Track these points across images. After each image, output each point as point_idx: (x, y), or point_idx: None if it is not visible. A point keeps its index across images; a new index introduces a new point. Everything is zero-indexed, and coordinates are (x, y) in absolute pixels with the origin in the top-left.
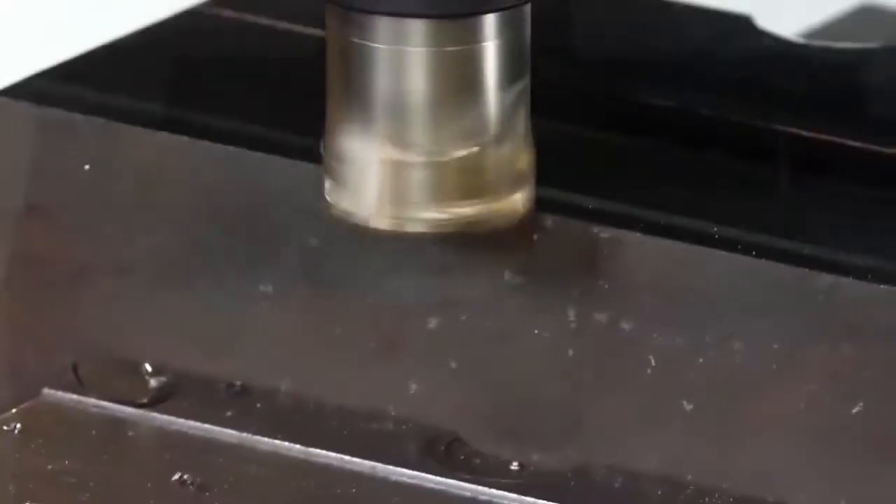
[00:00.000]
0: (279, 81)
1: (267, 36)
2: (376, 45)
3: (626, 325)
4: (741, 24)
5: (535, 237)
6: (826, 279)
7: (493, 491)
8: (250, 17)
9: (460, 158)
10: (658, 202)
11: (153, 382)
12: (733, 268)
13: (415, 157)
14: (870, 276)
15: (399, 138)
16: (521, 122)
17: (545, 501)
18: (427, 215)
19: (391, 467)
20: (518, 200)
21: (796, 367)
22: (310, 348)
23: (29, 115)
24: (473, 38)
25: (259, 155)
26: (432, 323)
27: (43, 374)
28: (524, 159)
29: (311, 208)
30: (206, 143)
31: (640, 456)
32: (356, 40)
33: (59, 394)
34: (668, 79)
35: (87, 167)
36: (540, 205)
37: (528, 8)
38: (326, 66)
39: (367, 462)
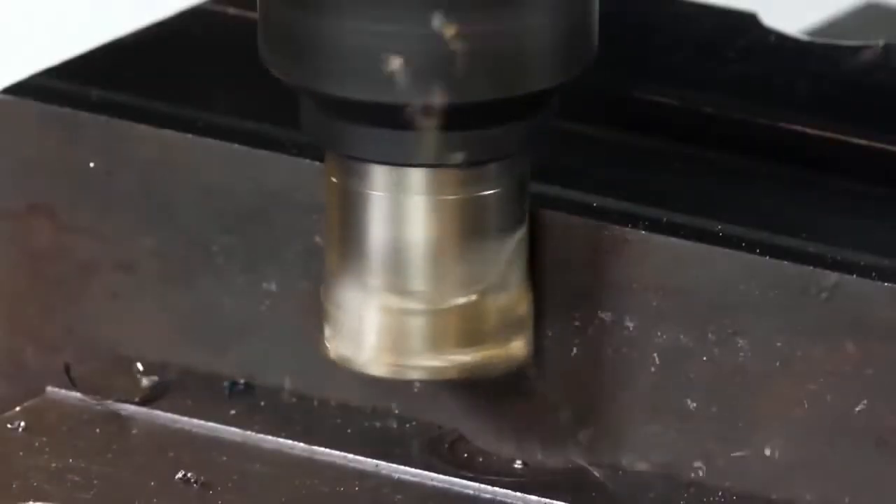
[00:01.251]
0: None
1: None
2: (375, 193)
3: (629, 323)
4: (747, 22)
5: (539, 234)
6: (830, 277)
7: (497, 489)
8: (254, 15)
9: (459, 306)
10: (662, 200)
11: (145, 382)
12: (737, 265)
13: (414, 305)
14: (874, 274)
15: (398, 286)
16: (521, 269)
17: (548, 500)
18: (426, 363)
19: (395, 465)
20: (517, 347)
21: (800, 365)
22: (313, 346)
23: (33, 113)
24: (473, 186)
25: (262, 152)
26: None
27: (46, 372)
28: (523, 306)
29: (314, 206)
30: (209, 141)
31: (643, 454)
32: (354, 188)
33: (63, 392)
34: (673, 76)
35: (91, 165)
36: (544, 201)
37: (527, 156)
38: (325, 211)
39: (370, 460)
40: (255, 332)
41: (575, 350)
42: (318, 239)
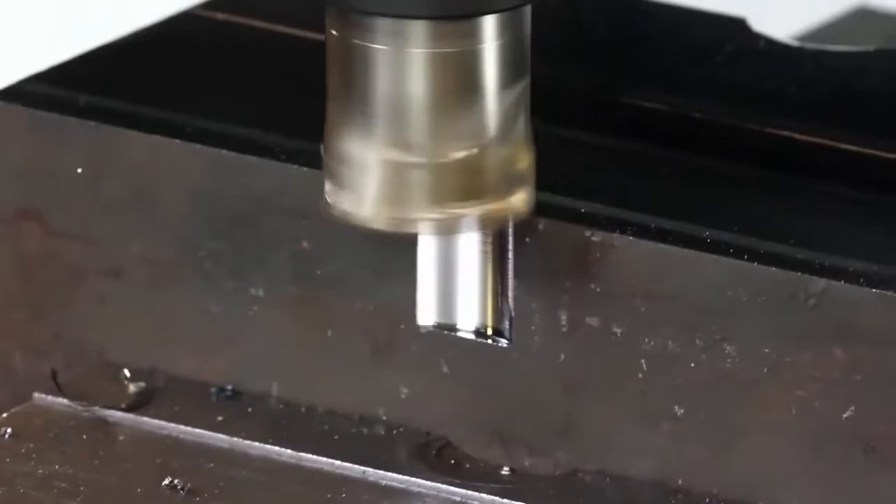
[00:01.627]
0: (272, 84)
1: (260, 39)
2: (376, 47)
3: (617, 329)
4: (736, 27)
5: (527, 240)
6: (818, 283)
7: (484, 496)
8: (243, 20)
9: (460, 160)
10: (650, 205)
11: (132, 388)
12: (725, 271)
13: (414, 159)
14: (862, 281)
15: (399, 139)
16: (521, 124)
17: None
18: (427, 216)
19: (382, 472)
20: (518, 201)
21: (787, 372)
22: (301, 352)
23: (21, 118)
24: (473, 39)
25: (251, 158)
26: (423, 328)
27: (33, 378)
28: (524, 160)
29: (302, 211)
30: (198, 147)
31: (630, 461)
32: (356, 41)
33: (50, 398)
34: (662, 81)
35: (79, 170)
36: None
37: (528, 9)
38: (326, 67)
39: (357, 467)
40: (243, 338)
41: (563, 356)
42: (306, 244)
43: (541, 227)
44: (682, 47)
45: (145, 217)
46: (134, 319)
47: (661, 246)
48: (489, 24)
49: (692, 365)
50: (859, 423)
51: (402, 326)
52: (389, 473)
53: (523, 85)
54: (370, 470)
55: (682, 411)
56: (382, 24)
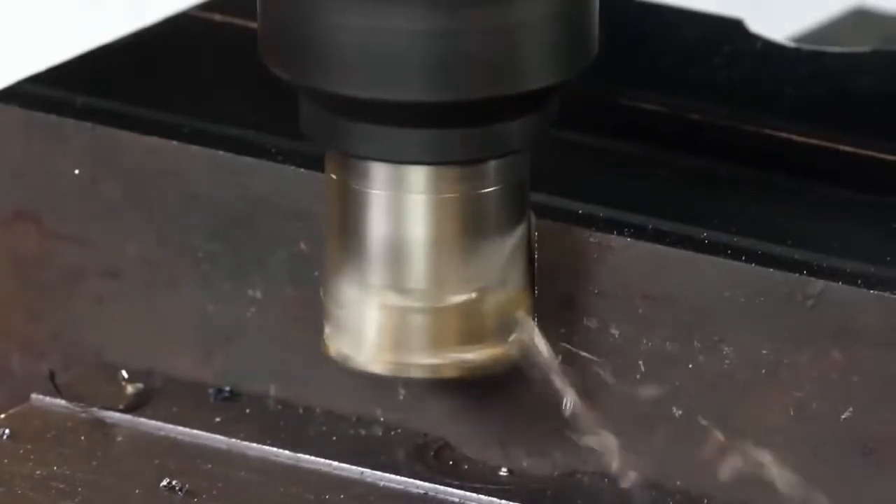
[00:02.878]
0: (269, 86)
1: (256, 39)
2: (375, 192)
3: (615, 331)
4: (733, 28)
5: None
6: (816, 284)
7: (482, 497)
8: (240, 21)
9: (460, 304)
10: (648, 207)
11: (130, 389)
12: (722, 273)
13: (414, 303)
14: (860, 282)
15: (398, 284)
16: (521, 266)
17: None
18: (426, 361)
19: (380, 473)
20: (519, 344)
21: (785, 373)
22: (298, 353)
23: (18, 120)
24: (474, 184)
25: (248, 159)
26: None
27: (31, 379)
28: (524, 303)
29: (299, 212)
30: (195, 148)
31: (629, 462)
32: (355, 186)
33: (48, 399)
34: (659, 83)
35: (76, 171)
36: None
37: (527, 153)
38: (325, 210)
39: (355, 468)
40: (241, 339)
41: (560, 357)
42: (303, 245)
43: (539, 228)
44: (678, 48)
45: (142, 218)
46: (131, 320)
47: (659, 247)
48: (489, 170)
49: (690, 366)
50: (857, 425)
51: None
52: (387, 475)
53: (523, 228)
54: (368, 471)
55: (679, 412)
56: (382, 169)
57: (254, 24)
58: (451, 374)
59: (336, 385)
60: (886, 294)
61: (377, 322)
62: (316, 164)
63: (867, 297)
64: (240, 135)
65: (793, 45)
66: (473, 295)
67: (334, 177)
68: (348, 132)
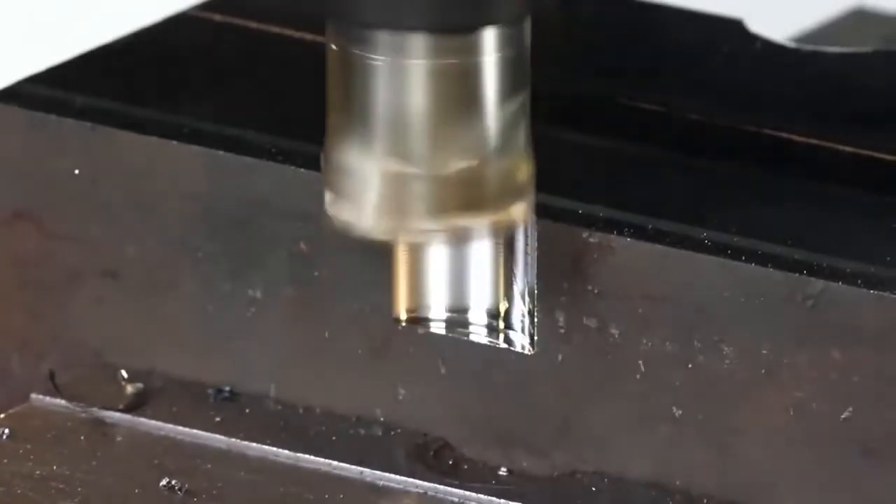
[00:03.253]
0: (269, 85)
1: (257, 40)
2: (377, 58)
3: (615, 331)
4: (732, 29)
5: None
6: (816, 284)
7: (482, 497)
8: (240, 21)
9: (460, 171)
10: (647, 207)
11: (130, 389)
12: (722, 273)
13: (415, 170)
14: (860, 282)
15: (399, 151)
16: (522, 135)
17: None
18: (427, 227)
19: (379, 472)
20: (519, 211)
21: (785, 373)
22: (298, 353)
23: (19, 120)
24: (474, 51)
25: (248, 159)
26: (421, 328)
27: (31, 379)
28: (524, 171)
29: (299, 213)
30: (195, 148)
31: (628, 462)
32: (357, 53)
33: (48, 399)
34: (659, 83)
35: (76, 171)
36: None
37: (528, 21)
38: (327, 79)
39: (355, 467)
40: (240, 340)
41: (560, 357)
42: (303, 245)
43: (538, 228)
44: (678, 48)
45: (142, 218)
46: (131, 321)
47: (659, 247)
48: (489, 37)
49: (690, 366)
50: (857, 425)
51: (400, 327)
52: (387, 474)
53: (523, 97)
54: (367, 471)
55: (679, 412)
56: (383, 36)
57: (253, 25)
58: (451, 240)
59: (336, 385)
60: (886, 294)
61: (378, 188)
62: (315, 163)
63: (867, 297)
64: (240, 135)
65: (792, 45)
66: (474, 162)
67: (335, 46)
68: None
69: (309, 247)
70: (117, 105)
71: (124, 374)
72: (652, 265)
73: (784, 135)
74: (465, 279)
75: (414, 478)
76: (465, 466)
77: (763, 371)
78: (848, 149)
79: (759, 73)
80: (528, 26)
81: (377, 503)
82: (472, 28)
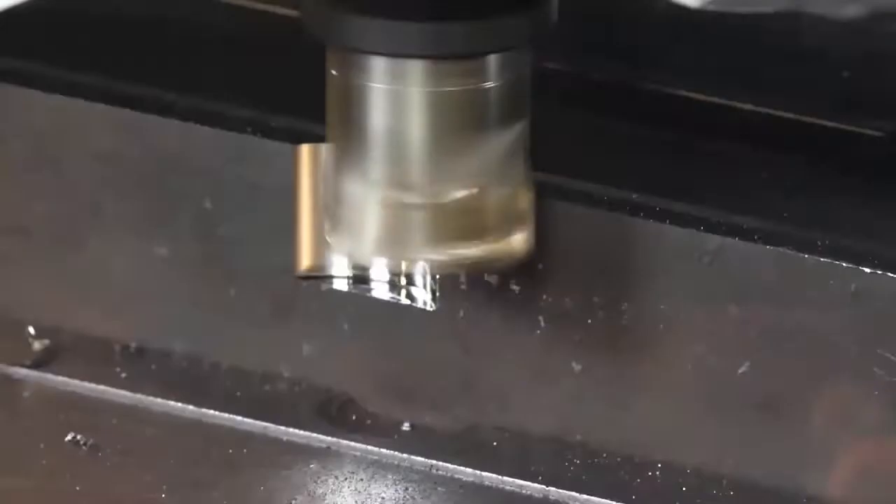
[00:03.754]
0: (181, 43)
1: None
2: (376, 86)
3: (515, 287)
4: None
5: None
6: (712, 240)
7: (384, 451)
8: None
9: (459, 200)
10: (545, 163)
11: (37, 345)
12: (621, 229)
13: (414, 199)
14: (756, 237)
15: (398, 180)
16: (521, 163)
17: (435, 461)
18: (426, 257)
19: (284, 427)
20: (518, 241)
21: (683, 328)
22: (204, 310)
23: None
24: (473, 78)
25: (155, 118)
26: (324, 285)
27: None
28: (524, 199)
29: (205, 170)
30: (101, 106)
31: (529, 416)
32: (356, 81)
33: None
34: (563, 43)
35: None
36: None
37: (527, 50)
38: (326, 106)
39: (259, 423)
40: (147, 297)
41: (462, 313)
42: (208, 203)
43: None
44: (584, 7)
45: (49, 176)
46: (38, 278)
47: (558, 203)
48: (489, 64)
49: (589, 321)
50: (754, 380)
51: (304, 284)
52: (291, 429)
53: (523, 125)
54: (272, 426)
55: (579, 367)
56: (383, 63)
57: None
58: (452, 270)
59: (241, 342)
60: (783, 249)
61: (377, 217)
62: (222, 121)
63: (764, 252)
64: (146, 93)
65: (697, 4)
66: (473, 191)
67: (335, 72)
68: (348, 26)
69: (214, 205)
70: (24, 63)
71: (32, 330)
72: (550, 222)
73: (684, 93)
74: None
75: (318, 433)
76: (369, 421)
77: (661, 327)
78: (747, 107)
79: (660, 32)
80: (527, 54)
81: (282, 458)
82: (472, 55)
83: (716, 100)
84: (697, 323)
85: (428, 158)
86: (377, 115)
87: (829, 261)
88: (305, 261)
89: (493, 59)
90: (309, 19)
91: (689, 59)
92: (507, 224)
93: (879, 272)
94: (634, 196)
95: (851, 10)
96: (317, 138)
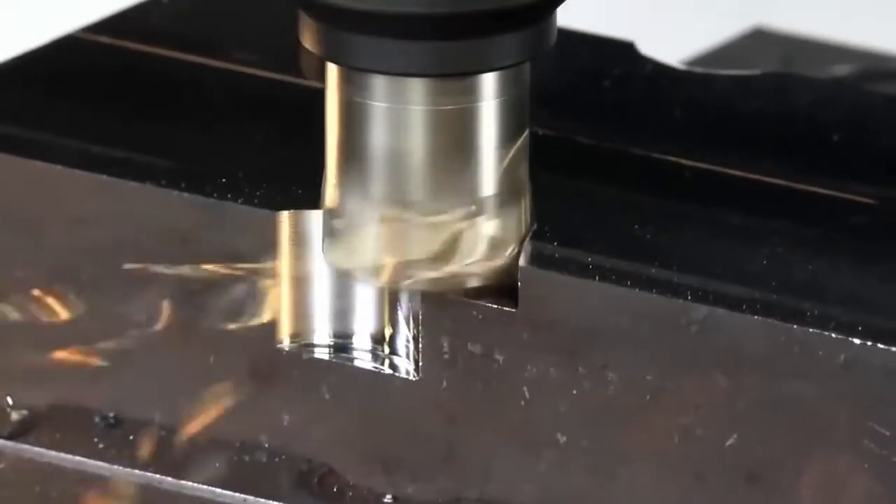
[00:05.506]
0: (155, 108)
1: (144, 63)
2: (375, 104)
3: (499, 356)
4: (624, 51)
5: None
6: (700, 310)
7: None
8: (127, 44)
9: (458, 217)
10: (533, 230)
11: (14, 416)
12: (607, 297)
13: (412, 216)
14: (744, 307)
15: (397, 197)
16: (521, 180)
17: None
18: (426, 274)
19: (263, 500)
20: (517, 259)
21: (670, 399)
22: (183, 378)
23: None
24: (473, 96)
25: (131, 183)
26: (305, 354)
27: None
28: (525, 217)
29: (182, 236)
30: (75, 172)
31: (513, 488)
32: (356, 99)
33: None
34: (549, 105)
35: None
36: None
37: (527, 66)
38: (326, 123)
39: (238, 494)
40: (125, 364)
41: (445, 383)
42: (188, 269)
43: None
44: (569, 70)
45: (26, 241)
46: (17, 345)
47: (543, 272)
48: (488, 82)
49: (574, 392)
50: (742, 451)
51: (285, 352)
52: (271, 502)
53: (523, 141)
54: (251, 498)
55: (564, 439)
56: (382, 81)
57: (140, 47)
58: (450, 287)
59: (220, 410)
60: (771, 320)
61: (376, 235)
62: (199, 187)
63: (752, 322)
64: (123, 157)
65: (683, 67)
66: (472, 208)
67: (334, 90)
68: (346, 45)
69: (193, 269)
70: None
71: (9, 400)
72: (536, 290)
73: (673, 158)
74: (350, 304)
75: None
76: (350, 493)
77: (648, 397)
78: (736, 172)
79: (649, 95)
80: (527, 70)
81: None
82: (471, 73)
83: (703, 165)
84: (685, 394)
85: (427, 176)
86: (376, 132)
87: (817, 331)
88: (287, 329)
89: (493, 77)
90: (308, 38)
91: (675, 123)
92: (507, 241)
93: (869, 343)
94: (621, 263)
95: (840, 71)
96: (298, 205)
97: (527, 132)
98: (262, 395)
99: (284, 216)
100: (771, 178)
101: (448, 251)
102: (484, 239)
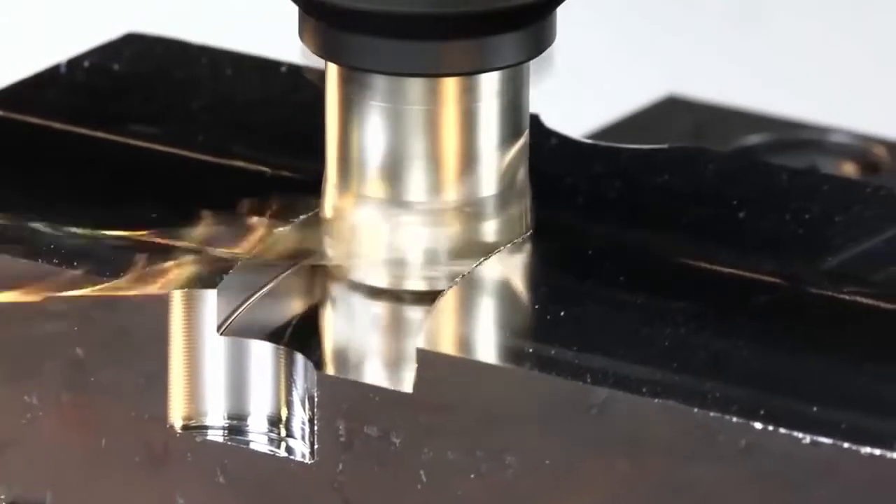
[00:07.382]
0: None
1: (37, 135)
2: (375, 104)
3: (396, 439)
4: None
5: None
6: (599, 392)
7: None
8: (20, 117)
9: (457, 217)
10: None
11: None
12: (506, 380)
13: (413, 216)
14: (644, 390)
15: (395, 197)
16: (520, 180)
17: None
18: (425, 273)
19: None
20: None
21: (572, 483)
22: (75, 461)
23: None
24: (472, 96)
25: (23, 261)
26: (199, 436)
27: None
28: (524, 216)
29: (79, 315)
30: None
31: None
32: (354, 98)
33: None
34: None
35: None
36: None
37: (528, 66)
38: (325, 123)
39: None
40: (17, 447)
41: (341, 466)
42: (79, 351)
43: None
44: None
45: None
46: None
47: (441, 354)
48: (487, 82)
49: (473, 476)
50: None
51: (178, 435)
52: None
53: (522, 141)
54: None
55: None
56: (382, 81)
57: (34, 120)
58: (447, 286)
59: (113, 494)
60: (671, 402)
61: (377, 235)
62: (96, 266)
63: (652, 405)
64: (15, 231)
65: (588, 141)
66: (471, 208)
67: (334, 90)
68: (347, 45)
69: (85, 352)
70: None
71: None
72: (434, 373)
73: (574, 235)
74: (245, 385)
75: None
76: None
77: (548, 481)
78: (639, 249)
79: (553, 169)
80: (527, 70)
81: None
82: (471, 73)
83: (606, 242)
84: (586, 478)
85: (427, 175)
86: (375, 132)
87: (718, 415)
88: (180, 411)
89: (491, 77)
90: (308, 38)
91: (578, 198)
92: (506, 241)
93: (770, 428)
94: (520, 345)
95: (751, 140)
96: (189, 283)
97: (527, 132)
98: (156, 477)
99: (176, 295)
100: (675, 255)
101: (446, 251)
102: (483, 239)
